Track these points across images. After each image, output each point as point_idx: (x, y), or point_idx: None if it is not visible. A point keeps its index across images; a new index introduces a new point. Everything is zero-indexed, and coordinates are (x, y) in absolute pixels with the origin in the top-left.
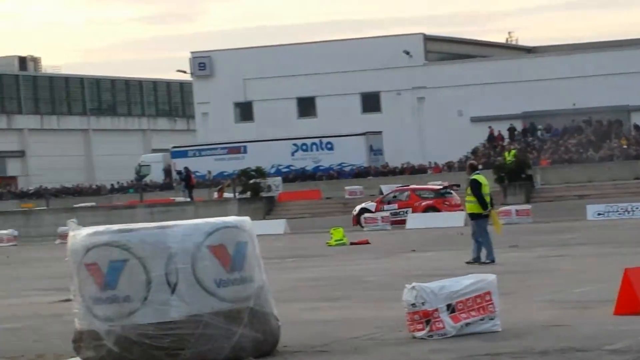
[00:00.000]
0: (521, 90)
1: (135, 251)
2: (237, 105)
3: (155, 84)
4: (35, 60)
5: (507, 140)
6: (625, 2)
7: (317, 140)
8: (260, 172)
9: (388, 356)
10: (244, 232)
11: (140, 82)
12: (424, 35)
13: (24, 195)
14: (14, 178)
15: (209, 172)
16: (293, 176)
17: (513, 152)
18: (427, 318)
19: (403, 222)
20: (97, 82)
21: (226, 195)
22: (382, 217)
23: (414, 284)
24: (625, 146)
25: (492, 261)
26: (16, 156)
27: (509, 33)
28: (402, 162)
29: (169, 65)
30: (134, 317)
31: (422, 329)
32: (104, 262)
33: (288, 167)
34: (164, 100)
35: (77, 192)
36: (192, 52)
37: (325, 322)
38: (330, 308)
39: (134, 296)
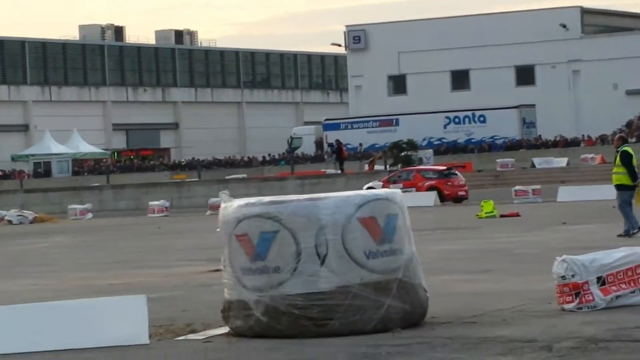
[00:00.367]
0: None
1: (286, 223)
2: (391, 78)
3: (309, 57)
4: (192, 34)
5: None
6: None
7: (469, 113)
8: (411, 145)
9: (537, 328)
10: (395, 205)
11: (294, 55)
12: (581, 8)
13: (176, 167)
14: (166, 150)
15: (360, 145)
16: (444, 149)
17: None
18: (577, 290)
19: None
20: (251, 56)
21: (377, 167)
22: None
23: (564, 256)
24: None
25: (627, 234)
26: (170, 128)
27: None
28: (555, 135)
29: (323, 39)
30: (283, 288)
31: (572, 302)
32: (254, 234)
33: (440, 139)
34: (318, 73)
35: (229, 164)
36: (346, 26)
37: (474, 294)
38: (479, 280)
39: (284, 267)
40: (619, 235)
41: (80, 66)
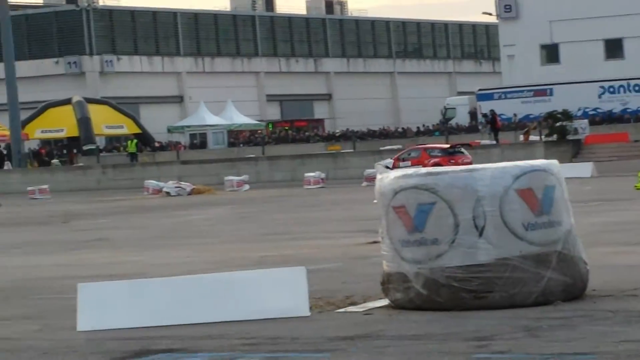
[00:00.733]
0: None
1: (443, 194)
2: (543, 47)
3: (460, 26)
4: (342, 4)
5: None
6: None
7: (624, 83)
8: (566, 115)
9: None
10: (552, 176)
11: (445, 25)
12: None
13: (330, 138)
14: (321, 121)
15: (515, 115)
16: (600, 119)
17: None
18: None
19: None
20: (402, 25)
21: (532, 138)
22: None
23: None
24: None
25: None
26: (323, 99)
27: None
28: None
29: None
30: (442, 260)
31: None
32: (412, 205)
33: (595, 109)
34: (470, 42)
35: (383, 134)
36: None
37: (633, 267)
38: (638, 252)
39: (442, 239)
40: None
41: (232, 37)
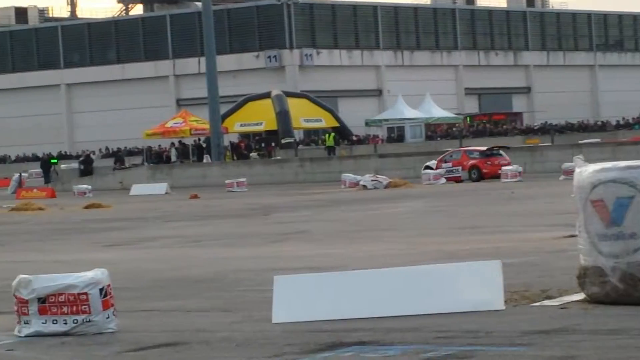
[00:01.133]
0: None
1: None
2: None
3: None
4: None
5: None
6: None
7: None
8: None
9: None
10: None
11: None
12: None
13: (529, 131)
14: (519, 114)
15: None
16: None
17: None
18: None
19: (457, 178)
20: (604, 18)
21: None
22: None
23: None
24: None
25: None
26: (522, 92)
27: None
28: None
29: None
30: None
31: None
32: (610, 199)
33: None
34: None
35: (582, 128)
36: None
37: None
38: None
39: None
40: None
41: (431, 30)
